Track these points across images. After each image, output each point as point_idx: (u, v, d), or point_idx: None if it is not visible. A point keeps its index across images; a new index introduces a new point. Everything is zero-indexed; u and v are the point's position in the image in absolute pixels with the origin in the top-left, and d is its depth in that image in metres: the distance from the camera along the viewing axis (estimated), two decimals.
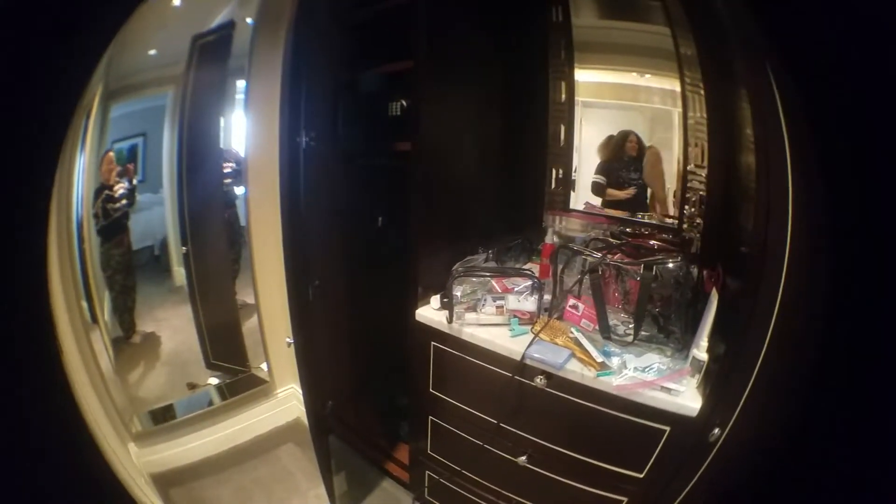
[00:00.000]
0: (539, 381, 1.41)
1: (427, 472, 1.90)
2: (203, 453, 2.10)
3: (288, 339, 1.72)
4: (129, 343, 1.98)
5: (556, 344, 1.45)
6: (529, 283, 1.61)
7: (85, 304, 1.69)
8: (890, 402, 0.76)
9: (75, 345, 1.52)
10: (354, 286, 2.16)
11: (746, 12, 0.96)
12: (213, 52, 1.99)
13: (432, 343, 1.70)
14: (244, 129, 2.07)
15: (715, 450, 1.13)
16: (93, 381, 1.61)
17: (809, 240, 0.92)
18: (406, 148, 1.74)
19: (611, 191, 1.88)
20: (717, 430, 1.12)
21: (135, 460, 1.77)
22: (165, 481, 1.86)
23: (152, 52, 1.85)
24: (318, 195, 1.89)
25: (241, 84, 2.04)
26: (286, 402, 2.45)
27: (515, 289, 1.61)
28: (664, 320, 1.43)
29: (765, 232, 1.00)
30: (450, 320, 1.61)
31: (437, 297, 1.70)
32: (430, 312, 1.71)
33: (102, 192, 1.78)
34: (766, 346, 1.00)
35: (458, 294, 1.61)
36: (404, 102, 1.89)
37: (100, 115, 1.71)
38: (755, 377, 1.03)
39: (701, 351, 1.24)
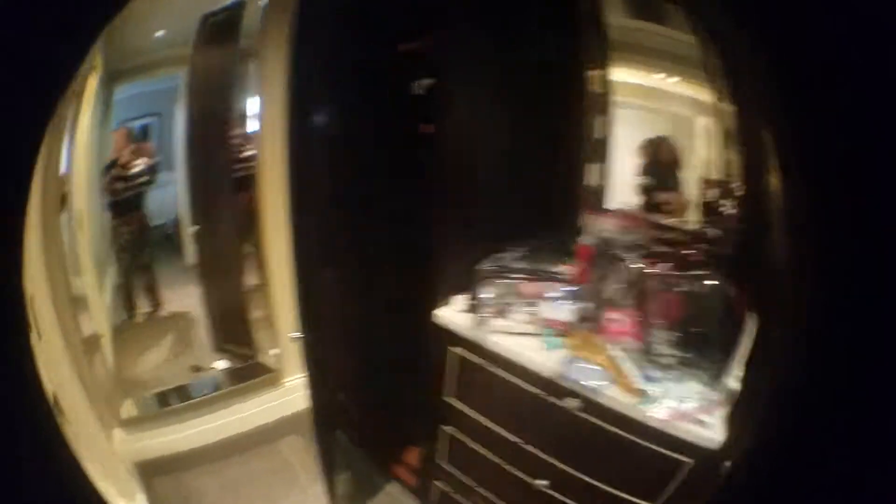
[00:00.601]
0: (569, 402, 1.30)
1: (435, 481, 1.81)
2: (202, 441, 2.03)
3: (295, 334, 1.62)
4: (132, 323, 1.92)
5: (594, 362, 1.32)
6: (565, 289, 1.47)
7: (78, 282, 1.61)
8: (889, 402, 0.78)
9: (58, 324, 1.43)
10: (371, 277, 2.05)
11: (744, 13, 0.96)
12: (222, 31, 1.88)
13: (450, 347, 1.59)
14: (256, 109, 2.00)
15: (724, 480, 1.10)
16: (79, 367, 1.52)
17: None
18: (429, 130, 1.63)
19: (661, 195, 1.72)
20: (727, 464, 1.09)
21: (116, 447, 1.70)
22: (152, 470, 1.79)
23: (160, 33, 1.76)
24: (330, 179, 1.79)
25: (252, 64, 1.97)
26: (294, 392, 2.37)
27: (549, 294, 1.48)
28: (704, 342, 1.31)
29: (790, 250, 1.01)
30: (474, 325, 1.50)
31: (459, 297, 1.59)
32: (450, 314, 1.60)
33: (111, 168, 1.70)
34: (783, 372, 0.98)
35: (485, 296, 1.49)
36: (428, 81, 1.74)
37: (102, 95, 1.63)
38: (774, 406, 1.00)
39: (734, 380, 1.18)
